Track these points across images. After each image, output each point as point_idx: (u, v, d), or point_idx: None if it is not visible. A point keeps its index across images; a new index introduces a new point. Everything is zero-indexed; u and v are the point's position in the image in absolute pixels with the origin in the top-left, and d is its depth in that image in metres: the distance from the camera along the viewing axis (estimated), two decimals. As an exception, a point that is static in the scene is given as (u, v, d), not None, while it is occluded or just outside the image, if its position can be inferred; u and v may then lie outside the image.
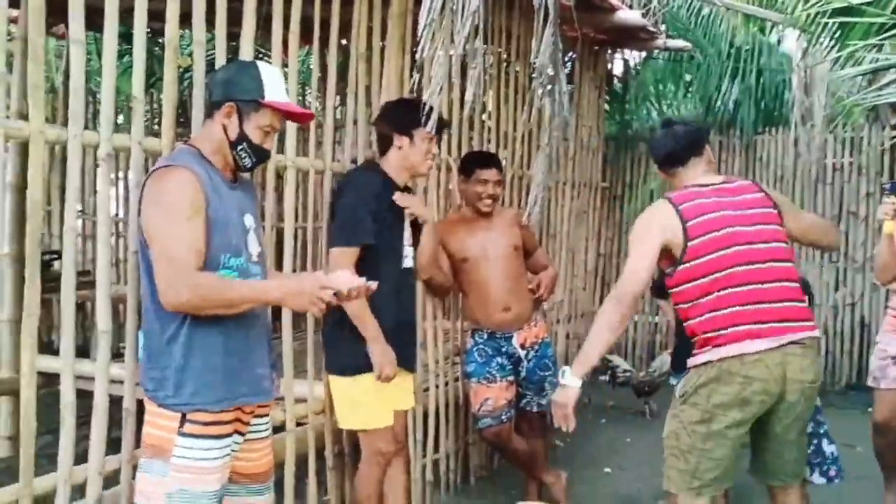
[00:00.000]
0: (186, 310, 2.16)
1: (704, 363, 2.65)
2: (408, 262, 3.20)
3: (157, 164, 2.31)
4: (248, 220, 2.38)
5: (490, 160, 3.88)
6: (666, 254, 2.71)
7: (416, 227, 3.25)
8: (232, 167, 2.36)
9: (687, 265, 2.65)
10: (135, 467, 2.46)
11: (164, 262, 2.12)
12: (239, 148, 2.31)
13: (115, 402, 2.45)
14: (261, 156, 2.37)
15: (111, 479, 2.48)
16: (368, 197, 3.03)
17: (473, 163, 3.86)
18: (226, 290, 2.18)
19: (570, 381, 2.71)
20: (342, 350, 3.09)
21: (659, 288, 4.28)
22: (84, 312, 5.47)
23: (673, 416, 2.78)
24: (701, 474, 2.67)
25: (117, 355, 2.60)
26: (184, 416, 2.20)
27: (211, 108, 2.34)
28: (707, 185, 2.78)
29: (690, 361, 2.74)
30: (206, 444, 2.22)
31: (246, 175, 2.54)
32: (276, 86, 2.32)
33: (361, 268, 2.94)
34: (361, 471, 3.23)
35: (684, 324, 2.76)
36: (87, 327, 5.47)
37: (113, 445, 2.48)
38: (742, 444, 2.75)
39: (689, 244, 2.64)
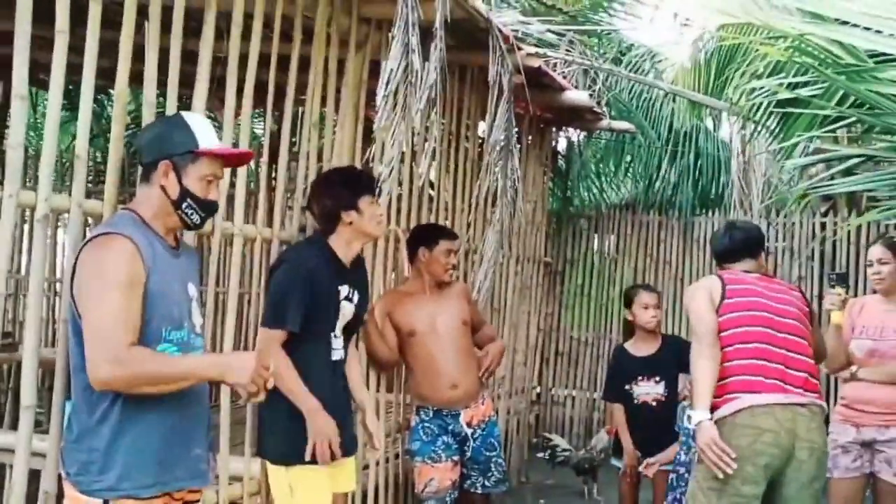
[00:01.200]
0: (116, 388, 2.00)
1: (717, 420, 2.80)
2: (336, 355, 3.02)
3: (95, 230, 2.17)
4: (191, 290, 2.24)
5: (451, 232, 3.88)
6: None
7: (360, 314, 3.13)
8: (174, 232, 2.24)
9: (720, 318, 2.92)
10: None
11: (93, 336, 1.97)
12: (184, 206, 2.17)
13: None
14: (208, 209, 2.24)
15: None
16: (300, 279, 2.88)
17: (438, 234, 3.82)
18: (160, 367, 2.03)
19: (702, 416, 2.80)
20: (279, 436, 2.91)
21: (609, 390, 4.30)
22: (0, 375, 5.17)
23: (692, 477, 2.96)
24: None
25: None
26: (106, 503, 2.02)
27: (146, 172, 2.20)
28: (751, 272, 3.12)
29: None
30: None
31: (188, 242, 2.42)
32: (206, 132, 2.20)
33: (288, 352, 2.83)
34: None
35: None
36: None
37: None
38: None
39: (724, 301, 2.95)
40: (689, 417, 2.93)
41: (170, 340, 2.12)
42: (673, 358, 3.94)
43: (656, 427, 3.93)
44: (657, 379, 3.97)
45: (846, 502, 3.57)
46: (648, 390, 3.99)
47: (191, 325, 2.20)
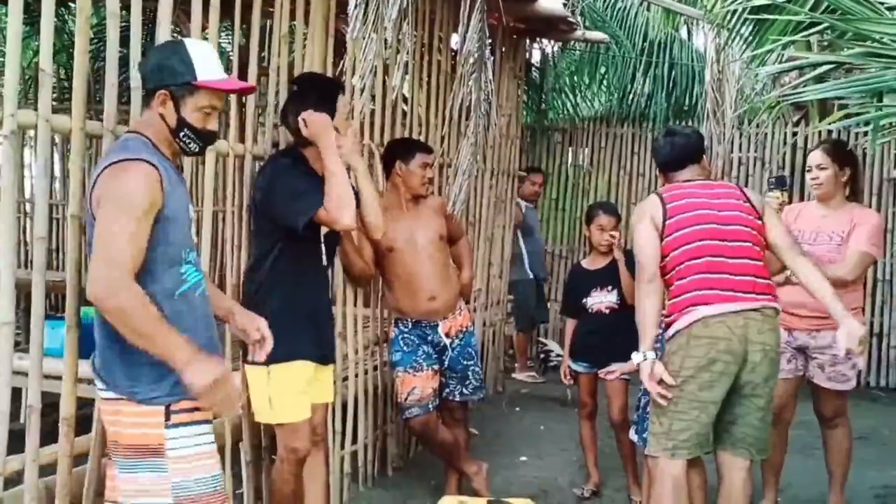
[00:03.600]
0: (109, 313, 2.04)
1: (675, 333, 2.94)
2: (322, 261, 3.10)
3: (111, 155, 2.17)
4: (191, 211, 2.32)
5: (426, 145, 3.89)
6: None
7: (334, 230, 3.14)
8: (178, 154, 2.30)
9: (666, 238, 2.99)
10: (41, 467, 2.32)
11: (102, 253, 2.03)
12: (181, 135, 2.23)
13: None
14: (206, 139, 2.30)
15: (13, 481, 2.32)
16: (293, 175, 2.95)
17: (414, 147, 3.82)
18: (148, 316, 2.03)
19: (649, 356, 2.96)
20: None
21: (565, 305, 4.41)
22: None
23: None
24: (675, 434, 2.93)
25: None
26: (167, 408, 2.14)
27: (147, 98, 2.24)
28: (690, 181, 3.14)
29: (665, 335, 3.02)
30: (197, 429, 2.19)
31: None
32: (208, 63, 2.22)
33: (286, 256, 2.90)
34: (277, 467, 3.13)
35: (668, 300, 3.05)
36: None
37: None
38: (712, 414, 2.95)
39: (667, 222, 3.00)
40: (640, 355, 2.99)
41: (189, 262, 2.24)
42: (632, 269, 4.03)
43: (613, 334, 3.99)
44: (609, 288, 4.05)
45: (780, 402, 3.67)
46: (602, 299, 4.08)
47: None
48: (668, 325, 3.01)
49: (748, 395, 2.96)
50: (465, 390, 3.90)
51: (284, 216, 2.91)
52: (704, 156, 3.26)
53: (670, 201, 3.04)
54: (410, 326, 3.83)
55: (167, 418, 2.14)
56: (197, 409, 2.19)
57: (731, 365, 2.89)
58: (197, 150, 2.30)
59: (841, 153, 3.73)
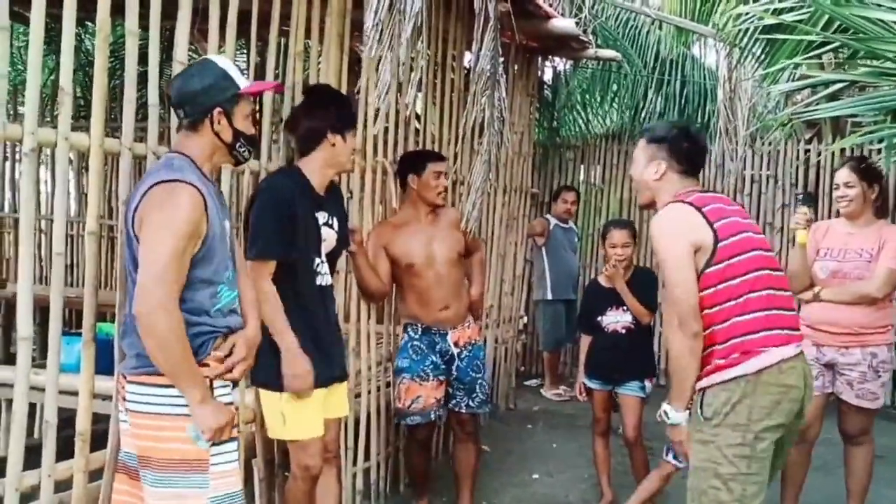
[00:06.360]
0: (145, 330, 2.10)
1: (735, 378, 2.45)
2: (323, 280, 3.04)
3: (155, 173, 2.21)
4: (227, 226, 2.38)
5: (439, 154, 3.93)
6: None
7: (341, 241, 3.15)
8: (217, 170, 2.43)
9: (717, 267, 2.49)
10: (56, 482, 2.33)
11: (151, 269, 2.09)
12: (237, 146, 2.35)
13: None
14: (254, 143, 2.43)
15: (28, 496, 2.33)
16: (279, 207, 2.87)
17: (425, 158, 3.86)
18: (178, 343, 2.12)
19: (677, 418, 2.56)
20: (272, 363, 2.92)
21: (581, 322, 4.39)
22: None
23: (703, 442, 2.51)
24: (748, 500, 2.45)
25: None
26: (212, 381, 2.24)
27: (194, 122, 2.30)
28: (707, 192, 2.71)
29: (714, 378, 2.50)
30: (231, 446, 2.27)
31: None
32: (237, 73, 2.34)
33: (277, 280, 2.85)
34: (290, 485, 3.12)
35: (705, 331, 2.51)
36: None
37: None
38: None
39: (720, 245, 2.49)
40: (665, 413, 2.58)
41: (225, 282, 2.31)
42: (640, 290, 4.05)
43: (627, 353, 4.03)
44: (625, 308, 4.05)
45: (807, 420, 3.65)
46: (617, 318, 4.09)
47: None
48: (721, 368, 2.49)
49: (782, 439, 2.57)
50: (471, 402, 3.90)
51: (249, 247, 2.87)
52: None
53: (713, 218, 2.51)
54: (420, 333, 3.84)
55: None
56: (235, 425, 2.29)
57: (792, 414, 2.50)
58: (248, 156, 2.42)
59: (868, 170, 3.69)
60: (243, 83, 2.33)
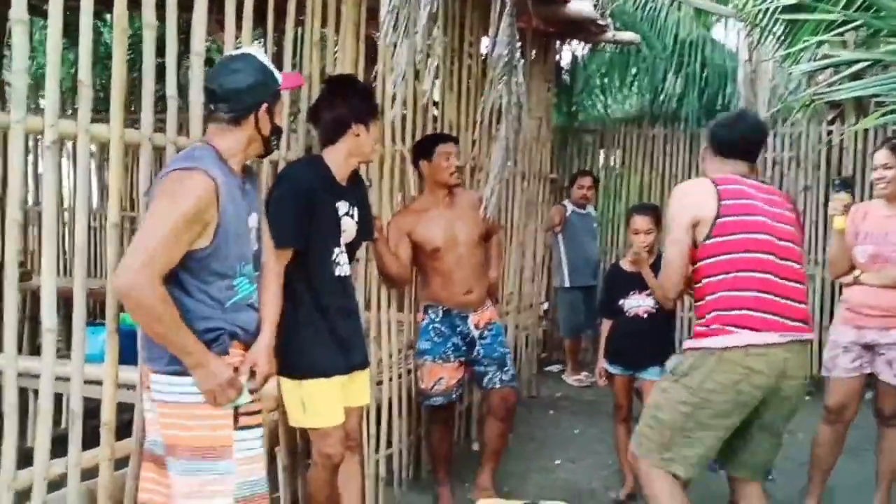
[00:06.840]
0: (128, 306, 2.11)
1: (703, 349, 2.67)
2: (342, 271, 3.03)
3: (174, 163, 2.25)
4: (252, 220, 2.39)
5: (447, 136, 4.00)
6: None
7: (363, 231, 3.16)
8: (246, 165, 2.42)
9: (714, 240, 2.68)
10: (82, 471, 2.36)
11: (139, 247, 2.10)
12: (272, 139, 2.41)
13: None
14: (281, 134, 2.54)
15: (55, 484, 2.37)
16: (298, 196, 2.87)
17: (431, 141, 3.90)
18: (170, 325, 2.13)
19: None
20: (291, 352, 2.94)
21: (603, 306, 4.36)
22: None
23: (661, 389, 2.81)
24: (676, 449, 2.71)
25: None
26: (237, 410, 2.27)
27: (237, 119, 2.31)
28: (748, 178, 2.84)
29: (690, 343, 2.76)
30: (255, 433, 2.32)
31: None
32: (274, 67, 2.38)
33: (295, 269, 2.83)
34: (311, 473, 3.14)
35: (695, 303, 2.80)
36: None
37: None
38: (722, 438, 2.73)
39: (718, 220, 2.67)
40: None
41: (243, 275, 2.32)
42: None
43: (648, 338, 4.01)
44: (648, 292, 4.03)
45: (844, 400, 3.66)
46: (640, 302, 4.06)
47: (251, 258, 2.38)
48: (698, 336, 2.73)
49: (767, 428, 2.79)
50: (503, 377, 3.94)
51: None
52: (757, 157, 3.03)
53: (726, 197, 2.69)
54: (441, 315, 3.89)
55: (236, 421, 2.27)
56: (254, 412, 2.33)
57: (755, 399, 2.67)
58: (277, 147, 2.50)
59: None
60: (280, 77, 2.38)
